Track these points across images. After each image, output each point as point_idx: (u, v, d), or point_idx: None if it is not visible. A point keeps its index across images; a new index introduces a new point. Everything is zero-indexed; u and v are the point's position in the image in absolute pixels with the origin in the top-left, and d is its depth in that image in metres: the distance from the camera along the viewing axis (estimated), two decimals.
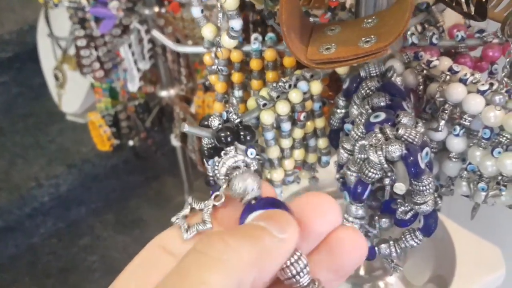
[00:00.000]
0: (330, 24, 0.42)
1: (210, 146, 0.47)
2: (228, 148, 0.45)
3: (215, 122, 0.45)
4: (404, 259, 0.70)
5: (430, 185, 0.42)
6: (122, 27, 1.10)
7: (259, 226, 0.22)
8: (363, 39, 0.37)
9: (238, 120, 0.46)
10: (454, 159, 0.50)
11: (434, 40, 0.52)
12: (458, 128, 0.47)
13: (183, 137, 1.22)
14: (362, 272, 0.71)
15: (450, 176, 0.51)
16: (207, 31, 0.43)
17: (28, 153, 1.50)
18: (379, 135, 0.41)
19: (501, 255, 0.72)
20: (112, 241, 1.50)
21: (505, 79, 0.41)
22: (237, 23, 0.40)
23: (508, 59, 0.40)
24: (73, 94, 1.47)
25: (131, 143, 1.20)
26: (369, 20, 0.39)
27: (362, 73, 0.49)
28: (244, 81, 0.58)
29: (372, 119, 0.44)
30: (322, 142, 0.53)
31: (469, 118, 0.47)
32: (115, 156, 1.48)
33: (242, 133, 0.45)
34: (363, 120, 0.46)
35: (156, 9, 1.09)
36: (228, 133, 0.44)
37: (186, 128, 0.43)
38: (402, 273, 0.70)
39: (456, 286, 0.69)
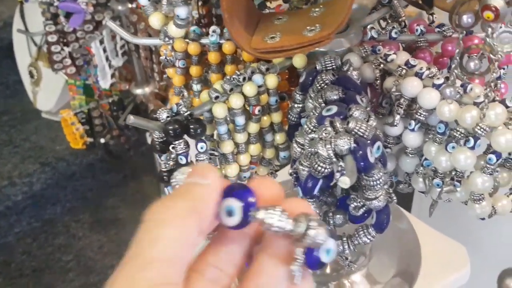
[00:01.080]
0: (278, 13, 0.41)
1: (160, 140, 0.46)
2: (176, 142, 0.45)
3: (163, 115, 0.44)
4: (370, 256, 0.70)
5: (380, 180, 0.42)
6: (94, 23, 1.09)
7: (186, 183, 0.26)
8: (308, 28, 0.36)
9: (188, 113, 0.45)
10: (410, 155, 0.49)
11: (394, 34, 0.52)
12: (413, 123, 0.46)
13: None
14: (328, 270, 0.71)
15: (407, 171, 0.50)
16: (154, 20, 0.42)
17: (2, 151, 1.47)
18: (329, 129, 0.40)
19: (466, 253, 0.72)
20: (88, 241, 1.48)
21: (456, 70, 0.40)
22: (183, 11, 0.39)
23: (457, 50, 0.39)
24: (48, 92, 1.45)
25: (102, 140, 1.19)
26: (317, 9, 0.38)
27: (318, 67, 0.48)
28: (204, 74, 0.57)
29: (324, 113, 0.43)
30: (280, 137, 0.52)
31: (424, 113, 0.46)
32: (91, 155, 1.46)
33: (192, 126, 0.44)
34: (316, 114, 0.45)
35: (129, 4, 1.08)
36: (177, 126, 0.43)
37: (131, 120, 0.42)
38: (367, 270, 0.70)
39: (421, 283, 0.68)
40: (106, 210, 1.55)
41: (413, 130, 0.47)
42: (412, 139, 0.47)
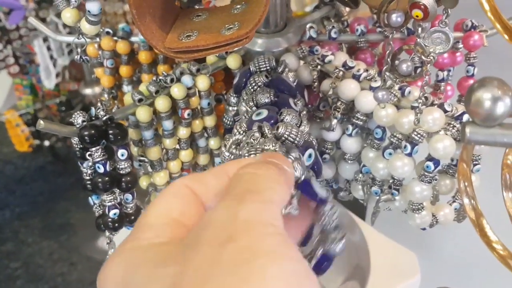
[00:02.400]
0: (198, 10, 0.38)
1: (80, 146, 0.42)
2: (93, 149, 0.41)
3: (79, 119, 0.40)
4: None
5: None
6: (39, 20, 1.04)
7: (275, 163, 0.29)
8: (226, 26, 0.33)
9: (107, 117, 0.41)
10: (349, 161, 0.46)
11: (333, 34, 0.49)
12: (350, 127, 0.44)
13: None
14: None
15: (347, 178, 0.48)
16: (67, 16, 0.38)
17: None
18: (257, 135, 0.37)
19: (417, 260, 0.70)
20: (37, 247, 1.41)
21: (387, 73, 0.38)
22: (94, 6, 0.36)
23: (388, 51, 0.37)
24: None
25: (47, 143, 1.13)
26: (238, 6, 0.35)
27: (252, 68, 0.45)
28: (137, 75, 0.53)
29: (254, 117, 0.40)
30: (214, 142, 0.49)
31: (362, 117, 0.43)
32: (40, 157, 1.40)
33: (111, 131, 0.41)
34: (247, 117, 0.42)
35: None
36: (93, 131, 0.40)
37: (41, 125, 0.38)
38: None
39: None
40: (57, 214, 1.49)
41: (350, 135, 0.44)
42: (350, 144, 0.45)
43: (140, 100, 0.42)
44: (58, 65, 1.09)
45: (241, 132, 0.41)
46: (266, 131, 0.37)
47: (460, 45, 0.50)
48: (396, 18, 0.34)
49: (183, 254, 0.22)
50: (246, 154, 0.36)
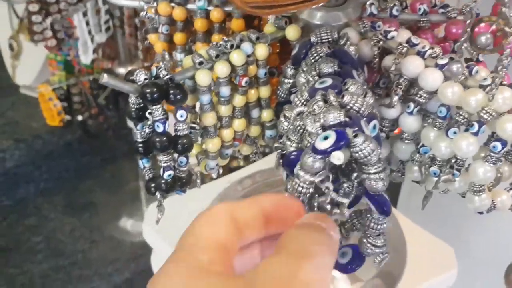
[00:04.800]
0: None
1: (138, 106, 0.42)
2: (154, 107, 0.40)
3: (141, 77, 0.40)
4: None
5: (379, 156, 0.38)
6: None
7: (323, 228, 0.29)
8: None
9: (169, 77, 0.41)
10: (406, 141, 0.45)
11: (395, 12, 0.48)
12: (412, 105, 0.43)
13: None
14: None
15: (402, 159, 0.47)
16: None
17: None
18: (320, 103, 0.36)
19: (454, 255, 0.69)
20: (59, 223, 1.42)
21: (465, 44, 0.37)
22: None
23: (468, 21, 0.36)
24: (28, 66, 1.39)
25: (80, 118, 1.14)
26: None
27: (313, 39, 0.44)
28: (189, 44, 0.53)
29: (317, 85, 0.39)
30: (267, 114, 0.48)
31: (425, 95, 0.42)
32: (69, 134, 1.41)
33: (171, 91, 0.40)
34: (308, 88, 0.41)
35: None
36: (155, 89, 0.39)
37: (105, 79, 0.37)
38: None
39: (404, 284, 0.65)
40: (81, 193, 1.50)
41: (411, 113, 0.43)
42: (410, 123, 0.43)
43: (200, 63, 0.42)
44: (95, 42, 1.09)
45: (302, 101, 0.40)
46: (332, 98, 0.37)
47: None
48: None
49: None
50: (309, 123, 0.36)
